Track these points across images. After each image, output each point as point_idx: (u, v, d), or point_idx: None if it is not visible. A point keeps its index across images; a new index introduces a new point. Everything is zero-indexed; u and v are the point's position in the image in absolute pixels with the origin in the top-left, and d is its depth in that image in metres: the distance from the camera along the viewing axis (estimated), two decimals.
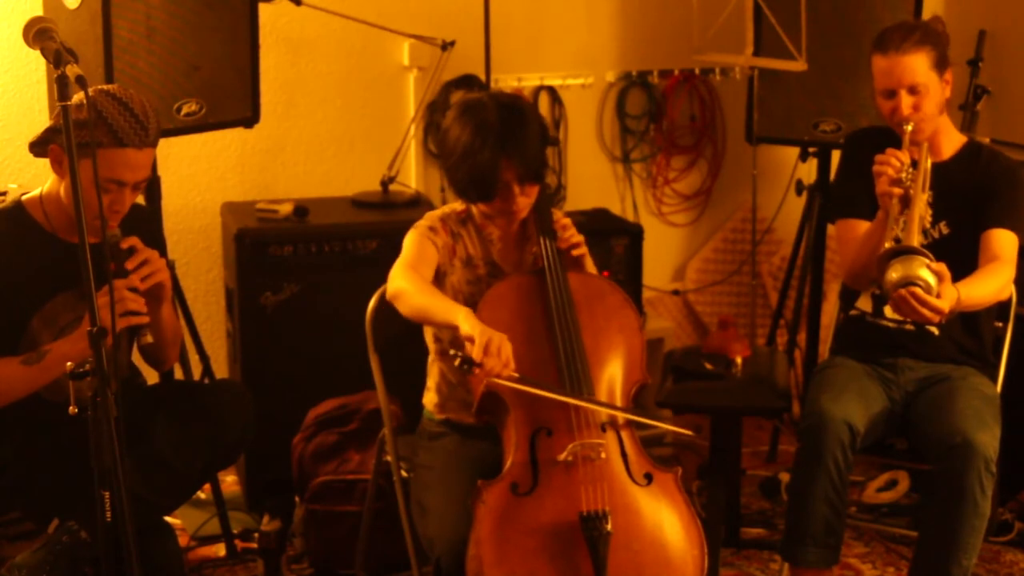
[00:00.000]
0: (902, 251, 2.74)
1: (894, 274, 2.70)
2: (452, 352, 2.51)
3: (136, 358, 3.01)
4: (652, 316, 4.61)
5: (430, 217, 2.84)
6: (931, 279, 2.69)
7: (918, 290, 2.69)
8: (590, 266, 2.88)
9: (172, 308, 2.86)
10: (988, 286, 2.92)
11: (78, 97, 2.47)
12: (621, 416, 2.64)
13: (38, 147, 2.71)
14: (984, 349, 3.19)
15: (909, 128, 2.99)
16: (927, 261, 2.71)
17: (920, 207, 2.88)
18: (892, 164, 2.90)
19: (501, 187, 2.69)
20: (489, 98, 2.74)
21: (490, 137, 2.66)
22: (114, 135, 2.57)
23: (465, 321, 2.52)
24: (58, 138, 2.64)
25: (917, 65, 2.98)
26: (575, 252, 2.80)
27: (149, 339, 2.59)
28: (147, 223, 2.91)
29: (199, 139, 4.00)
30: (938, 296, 2.71)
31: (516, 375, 2.52)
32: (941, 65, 3.02)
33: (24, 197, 2.80)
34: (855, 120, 3.84)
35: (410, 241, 2.79)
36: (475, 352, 2.45)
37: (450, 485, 2.65)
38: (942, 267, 2.73)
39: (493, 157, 2.66)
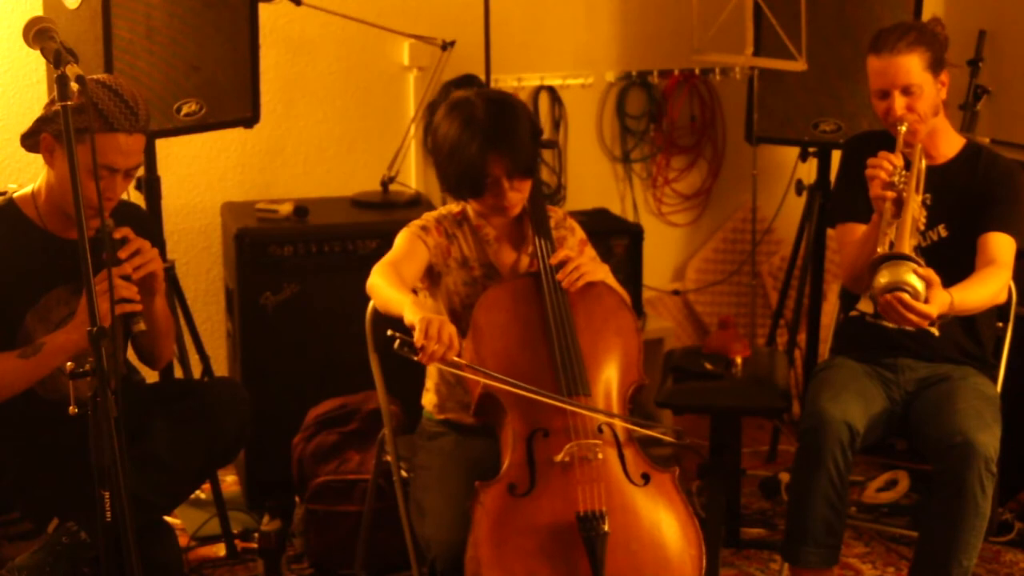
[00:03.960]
0: (892, 257, 2.75)
1: (882, 279, 2.72)
2: (390, 333, 2.49)
3: (132, 357, 3.01)
4: (652, 316, 4.61)
5: (425, 217, 2.84)
6: (918, 284, 2.70)
7: (904, 295, 2.70)
8: (611, 280, 2.83)
9: (165, 301, 2.87)
10: (983, 291, 2.92)
11: (71, 85, 2.48)
12: (600, 417, 2.64)
13: (29, 139, 2.73)
14: (984, 350, 3.18)
15: (903, 129, 2.99)
16: (915, 266, 2.71)
17: (914, 209, 2.88)
18: (884, 167, 2.91)
19: (490, 182, 2.70)
20: (477, 95, 2.75)
21: (477, 132, 2.67)
22: (104, 120, 2.58)
23: (408, 309, 2.51)
24: (48, 127, 2.67)
25: (911, 66, 2.98)
26: (580, 283, 2.73)
27: (142, 326, 2.60)
28: (142, 220, 2.91)
29: (199, 139, 4.00)
30: (926, 301, 2.71)
31: (463, 360, 2.51)
32: (936, 66, 3.02)
33: (16, 194, 2.81)
34: (855, 120, 3.84)
35: (399, 239, 2.79)
36: (416, 335, 2.44)
37: (447, 486, 2.66)
38: (930, 272, 2.74)
39: (481, 152, 2.66)
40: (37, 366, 2.67)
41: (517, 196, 2.74)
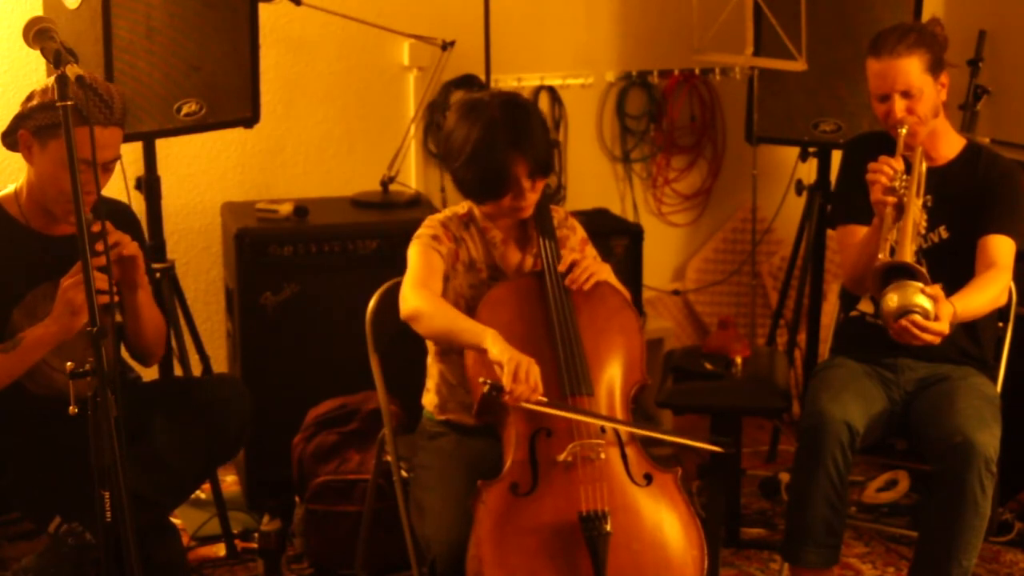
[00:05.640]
0: (895, 270, 2.76)
1: (891, 304, 2.74)
2: (481, 380, 2.52)
3: (125, 355, 3.01)
4: (652, 316, 4.61)
5: (432, 225, 2.82)
6: (927, 304, 2.72)
7: (917, 318, 2.72)
8: (614, 282, 2.83)
9: (151, 296, 2.87)
10: (984, 296, 2.93)
11: (47, 82, 2.54)
12: (640, 433, 2.64)
13: (8, 137, 2.73)
14: (984, 350, 3.19)
15: (903, 131, 3.00)
16: (921, 286, 2.73)
17: (914, 213, 2.89)
18: (885, 172, 2.91)
19: (512, 183, 2.69)
20: (490, 96, 2.75)
21: (500, 133, 2.67)
22: (78, 113, 2.58)
23: (493, 345, 2.52)
24: (25, 124, 2.68)
25: (911, 69, 2.99)
26: (590, 282, 2.75)
27: (118, 318, 2.60)
28: (123, 216, 2.91)
29: (199, 139, 4.00)
30: (936, 318, 2.72)
31: (544, 399, 2.53)
32: (936, 68, 3.02)
33: None
34: (855, 120, 3.84)
35: (415, 254, 2.76)
36: (505, 379, 2.47)
37: (448, 486, 2.65)
38: (936, 289, 2.75)
39: (505, 153, 2.66)
40: (17, 360, 2.68)
41: (534, 197, 2.74)
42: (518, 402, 2.49)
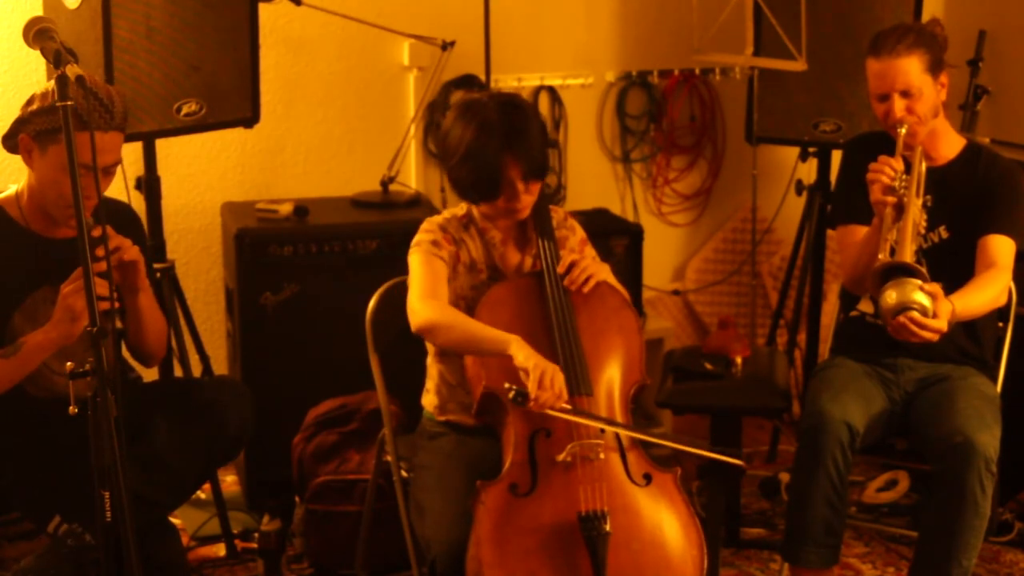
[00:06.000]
0: (894, 270, 2.76)
1: (890, 300, 2.74)
2: (507, 386, 2.51)
3: (126, 355, 3.01)
4: (652, 316, 4.61)
5: (431, 229, 2.81)
6: (926, 301, 2.73)
7: (915, 315, 2.72)
8: (613, 282, 2.83)
9: (152, 298, 2.87)
10: (983, 295, 2.93)
11: (47, 85, 2.53)
12: (664, 444, 2.65)
13: (9, 141, 2.73)
14: (984, 350, 3.19)
15: (903, 131, 3.00)
16: (919, 283, 2.73)
17: (914, 214, 2.89)
18: (885, 172, 2.91)
19: (506, 185, 2.69)
20: (488, 97, 2.75)
21: (494, 135, 2.66)
22: (78, 117, 2.58)
23: (519, 351, 2.52)
24: (25, 128, 2.68)
25: (910, 68, 2.99)
26: (590, 284, 2.75)
27: (119, 324, 2.60)
28: (124, 218, 2.91)
29: (199, 139, 4.00)
30: (934, 316, 2.72)
31: (568, 406, 2.53)
32: (935, 68, 3.02)
33: (0, 195, 2.82)
34: (855, 120, 3.84)
35: (417, 263, 2.76)
36: (530, 386, 2.47)
37: (448, 486, 2.65)
38: (935, 287, 2.76)
39: (498, 155, 2.66)
40: (17, 365, 2.67)
41: (529, 199, 2.74)
42: (543, 409, 2.49)
